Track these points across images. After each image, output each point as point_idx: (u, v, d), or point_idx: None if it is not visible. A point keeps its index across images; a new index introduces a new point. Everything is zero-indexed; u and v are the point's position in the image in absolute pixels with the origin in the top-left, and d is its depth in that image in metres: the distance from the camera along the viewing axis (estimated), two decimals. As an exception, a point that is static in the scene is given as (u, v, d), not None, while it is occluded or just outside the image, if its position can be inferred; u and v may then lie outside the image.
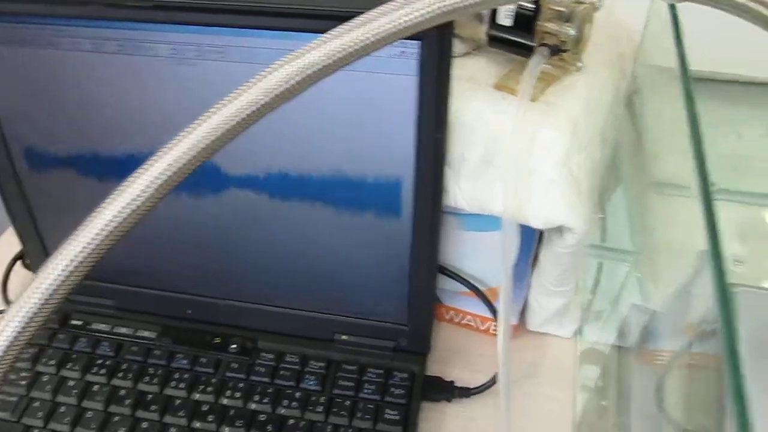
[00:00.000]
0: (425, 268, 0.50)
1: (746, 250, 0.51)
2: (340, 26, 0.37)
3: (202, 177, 0.49)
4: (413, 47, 0.41)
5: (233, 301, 0.56)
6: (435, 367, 0.56)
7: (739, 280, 0.45)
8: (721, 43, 0.52)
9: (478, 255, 0.53)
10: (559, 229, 0.45)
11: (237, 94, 0.34)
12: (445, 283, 0.56)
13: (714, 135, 0.64)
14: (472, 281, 0.54)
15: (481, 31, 0.45)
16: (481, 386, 0.53)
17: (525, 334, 0.58)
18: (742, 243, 0.51)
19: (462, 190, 0.46)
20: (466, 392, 0.54)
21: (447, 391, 0.54)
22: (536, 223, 0.44)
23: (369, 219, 0.48)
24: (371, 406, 0.52)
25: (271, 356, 0.55)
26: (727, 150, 0.60)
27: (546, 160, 0.43)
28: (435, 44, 0.41)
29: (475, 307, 0.57)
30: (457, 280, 0.54)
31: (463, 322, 0.59)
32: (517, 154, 0.42)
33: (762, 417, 0.38)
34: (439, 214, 0.47)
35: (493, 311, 0.54)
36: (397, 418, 0.51)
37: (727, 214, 0.56)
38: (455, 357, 0.58)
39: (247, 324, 0.56)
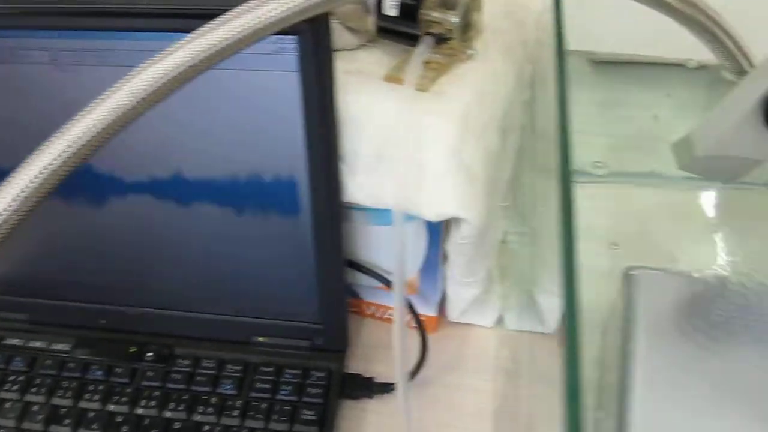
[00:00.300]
0: (331, 265, 0.49)
1: (631, 231, 0.50)
2: (204, 25, 0.36)
3: (98, 185, 0.48)
4: (290, 43, 0.40)
5: (147, 309, 0.55)
6: (358, 364, 0.56)
7: (611, 263, 0.45)
8: (641, 26, 0.51)
9: (389, 249, 0.52)
10: (457, 221, 0.44)
11: (101, 100, 0.33)
12: (363, 279, 0.55)
13: (630, 117, 0.64)
14: (385, 275, 0.54)
15: (370, 22, 0.44)
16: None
17: (447, 325, 0.58)
18: (628, 224, 0.51)
19: (358, 185, 0.45)
20: (387, 388, 0.53)
21: (367, 387, 0.53)
22: (429, 216, 0.43)
23: (270, 219, 0.48)
24: (288, 408, 0.51)
25: (187, 362, 0.54)
26: (641, 132, 0.60)
27: (435, 151, 0.42)
28: (311, 39, 0.40)
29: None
30: (371, 275, 0.54)
31: (385, 316, 0.58)
32: (405, 146, 0.41)
33: (650, 389, 0.38)
34: (338, 211, 0.47)
35: (410, 304, 0.53)
36: (314, 418, 0.50)
37: (626, 196, 0.56)
38: (378, 352, 0.57)
39: (163, 331, 0.55)
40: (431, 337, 0.56)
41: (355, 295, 0.58)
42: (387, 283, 0.54)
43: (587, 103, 0.62)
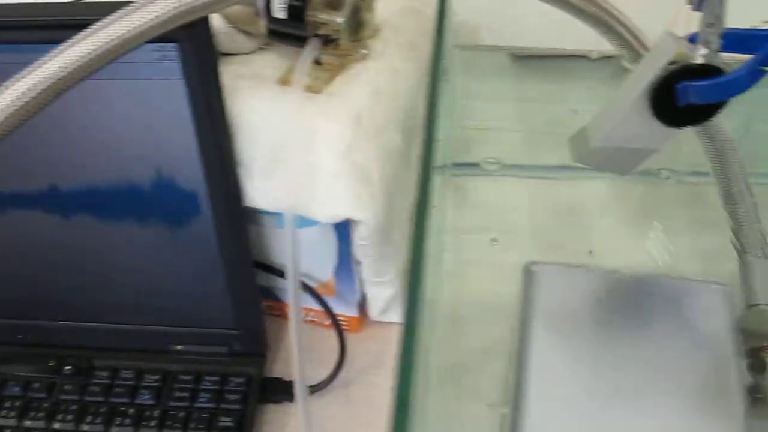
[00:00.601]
0: (240, 270, 0.49)
1: (526, 225, 0.51)
2: (73, 37, 0.35)
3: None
4: (172, 50, 0.40)
5: (65, 322, 0.54)
6: (281, 368, 0.56)
7: (488, 258, 0.45)
8: (557, 18, 0.51)
9: (303, 251, 0.52)
10: (355, 222, 0.44)
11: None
12: (282, 282, 0.55)
13: (548, 111, 0.64)
14: (302, 278, 0.54)
15: (261, 25, 0.44)
16: (320, 383, 0.53)
17: (370, 324, 0.58)
18: (521, 218, 0.52)
19: (257, 189, 0.45)
20: (309, 390, 0.53)
21: (288, 390, 0.53)
22: (322, 217, 0.43)
23: (174, 227, 0.47)
24: (206, 415, 0.51)
25: (106, 374, 0.53)
26: (555, 126, 0.60)
27: (326, 152, 0.42)
28: (191, 45, 0.40)
29: (315, 304, 0.56)
30: (280, 276, 0.53)
31: (308, 319, 0.58)
32: (296, 149, 0.41)
33: (543, 381, 0.39)
34: (240, 216, 0.46)
35: (326, 306, 0.53)
36: (231, 424, 0.50)
37: (523, 190, 0.56)
38: (303, 355, 0.57)
39: (81, 343, 0.55)
40: (355, 337, 0.56)
41: (276, 299, 0.57)
42: (303, 286, 0.54)
43: (506, 98, 0.63)
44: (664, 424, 0.36)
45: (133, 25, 0.35)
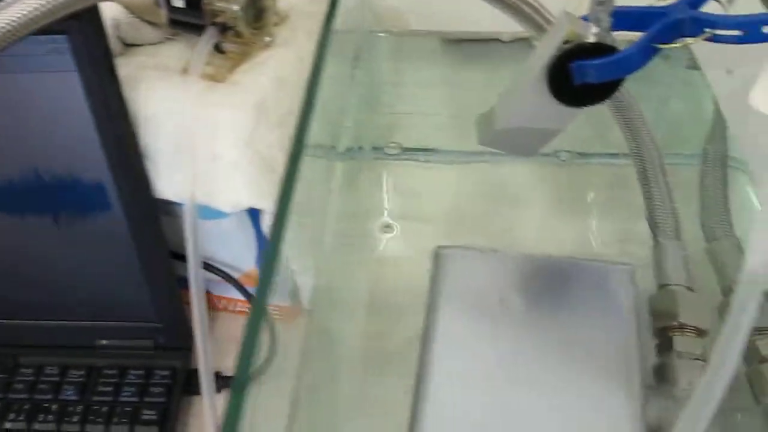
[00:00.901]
0: (156, 263, 0.49)
1: (425, 210, 0.50)
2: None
3: None
4: (62, 41, 0.39)
5: (-12, 320, 0.54)
6: (213, 360, 0.55)
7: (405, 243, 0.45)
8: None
9: (224, 242, 0.52)
10: (262, 211, 0.44)
11: None
12: (208, 274, 0.55)
13: (481, 95, 0.64)
14: (225, 269, 0.53)
15: (162, 15, 0.44)
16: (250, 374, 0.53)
17: (305, 313, 0.57)
18: (421, 202, 0.51)
19: (164, 181, 0.44)
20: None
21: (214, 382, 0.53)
22: (224, 207, 0.43)
23: (87, 222, 0.47)
24: (129, 409, 0.50)
25: (30, 371, 0.53)
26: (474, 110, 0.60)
27: (228, 142, 0.41)
28: (82, 36, 0.39)
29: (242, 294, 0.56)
30: (207, 270, 0.53)
31: (237, 309, 0.58)
32: (197, 139, 0.41)
33: (445, 364, 0.39)
34: (151, 208, 0.46)
35: (248, 296, 0.53)
36: (155, 417, 0.50)
37: (427, 174, 0.56)
38: (230, 346, 0.56)
39: (6, 341, 0.54)
40: (289, 327, 0.55)
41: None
42: (225, 276, 0.54)
43: (436, 83, 0.62)
44: (563, 404, 0.36)
45: (13, 18, 0.34)
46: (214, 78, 0.43)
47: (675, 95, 0.55)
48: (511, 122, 0.41)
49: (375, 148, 0.53)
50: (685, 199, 0.48)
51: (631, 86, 0.46)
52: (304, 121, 0.33)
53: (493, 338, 0.39)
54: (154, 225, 0.47)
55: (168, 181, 0.44)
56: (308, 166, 0.48)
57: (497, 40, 0.58)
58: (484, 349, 0.39)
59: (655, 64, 0.35)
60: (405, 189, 0.53)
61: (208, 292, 0.57)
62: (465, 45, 0.65)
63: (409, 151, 0.54)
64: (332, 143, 0.50)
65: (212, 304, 0.58)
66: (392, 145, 0.54)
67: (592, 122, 0.56)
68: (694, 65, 0.57)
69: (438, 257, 0.43)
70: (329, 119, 0.46)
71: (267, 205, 0.42)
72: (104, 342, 0.54)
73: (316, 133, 0.37)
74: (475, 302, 0.41)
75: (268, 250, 0.27)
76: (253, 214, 0.48)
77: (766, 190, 0.26)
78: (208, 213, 0.49)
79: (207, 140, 0.42)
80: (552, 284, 0.41)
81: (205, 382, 0.41)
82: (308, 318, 0.46)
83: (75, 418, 0.50)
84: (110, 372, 0.52)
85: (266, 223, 0.44)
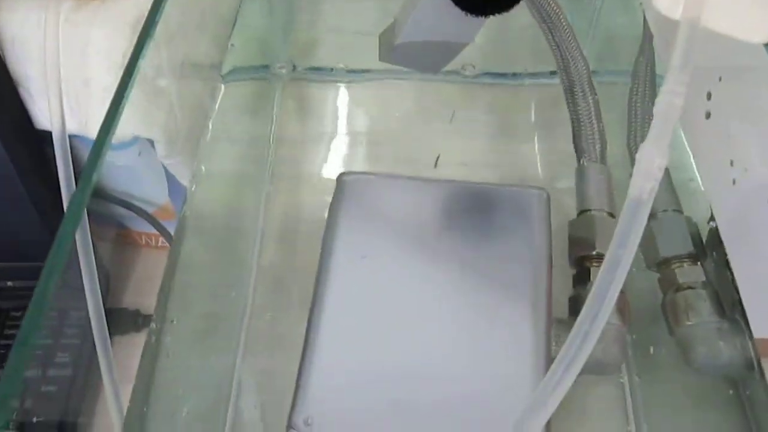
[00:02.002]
0: (47, 199, 0.46)
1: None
2: None
3: None
4: None
5: None
6: (129, 298, 0.53)
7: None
8: None
9: (132, 176, 0.49)
10: (151, 141, 0.40)
11: None
12: (123, 211, 0.52)
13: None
14: (139, 203, 0.50)
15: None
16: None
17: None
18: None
19: (40, 111, 0.41)
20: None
21: (133, 321, 0.51)
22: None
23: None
24: (40, 352, 0.48)
25: None
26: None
27: (101, 65, 0.38)
28: None
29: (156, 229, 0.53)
30: (121, 206, 0.50)
31: (160, 245, 0.55)
32: (68, 63, 0.37)
33: (341, 288, 0.36)
34: (34, 142, 0.43)
35: (163, 230, 0.50)
36: (67, 360, 0.48)
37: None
38: (151, 284, 0.54)
39: None
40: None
41: (119, 225, 0.54)
42: (138, 212, 0.51)
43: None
44: (464, 335, 0.34)
45: None
46: (85, -6, 0.39)
47: (609, 8, 0.50)
48: (411, 36, 0.37)
49: (294, 67, 0.49)
50: (621, 121, 0.44)
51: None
52: (147, 30, 0.29)
53: (394, 267, 0.36)
54: (39, 159, 0.43)
55: (43, 111, 0.41)
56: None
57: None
58: (383, 278, 0.36)
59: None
60: (326, 108, 0.49)
61: (124, 228, 0.55)
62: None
63: (327, 71, 0.50)
64: (244, 61, 0.46)
65: (134, 240, 0.56)
66: (312, 64, 0.50)
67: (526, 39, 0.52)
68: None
69: (340, 184, 0.40)
70: (222, 34, 0.42)
71: (154, 134, 0.39)
72: (9, 284, 0.51)
73: (207, 50, 0.33)
74: (377, 230, 0.38)
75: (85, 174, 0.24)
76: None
77: (659, 108, 0.23)
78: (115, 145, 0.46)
79: (78, 64, 0.38)
80: (460, 210, 0.38)
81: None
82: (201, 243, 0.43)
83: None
84: (17, 314, 0.50)
85: (161, 153, 0.41)
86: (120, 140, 0.40)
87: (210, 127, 0.41)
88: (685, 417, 0.37)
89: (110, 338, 0.51)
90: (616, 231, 0.22)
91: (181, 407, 0.36)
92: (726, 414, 0.36)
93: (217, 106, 0.42)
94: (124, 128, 0.39)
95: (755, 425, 0.34)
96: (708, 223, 0.35)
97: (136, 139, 0.42)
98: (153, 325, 0.38)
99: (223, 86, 0.43)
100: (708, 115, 0.31)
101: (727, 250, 0.30)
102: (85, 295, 0.48)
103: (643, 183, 0.22)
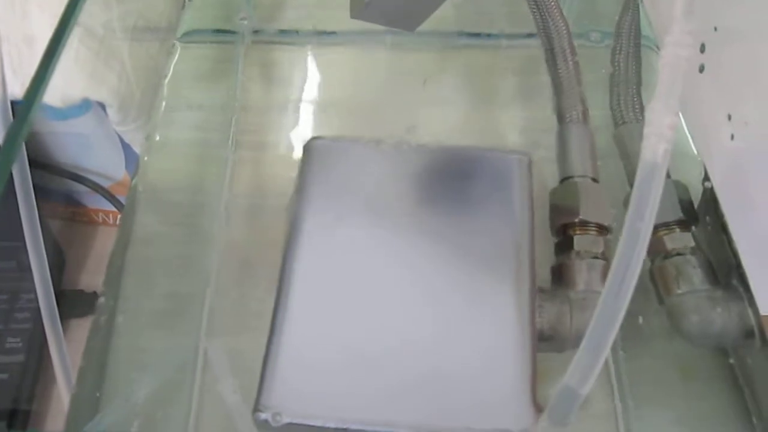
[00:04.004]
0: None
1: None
2: None
3: None
4: None
5: None
6: (85, 279, 0.50)
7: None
8: None
9: (86, 146, 0.45)
10: (102, 105, 0.37)
11: None
12: (78, 186, 0.49)
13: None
14: (95, 178, 0.47)
15: None
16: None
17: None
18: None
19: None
20: (116, 300, 0.48)
21: (90, 303, 0.48)
22: (53, 101, 0.36)
23: None
24: (-9, 338, 0.45)
25: None
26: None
27: (43, 20, 0.34)
28: None
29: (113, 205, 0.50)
30: (75, 180, 0.47)
31: (119, 223, 0.52)
32: (10, 21, 0.33)
33: (311, 257, 0.33)
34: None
35: (121, 207, 0.47)
36: (20, 345, 0.45)
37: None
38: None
39: None
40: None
41: (76, 203, 0.51)
42: (93, 186, 0.48)
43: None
44: (442, 306, 0.32)
45: None
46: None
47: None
48: None
49: (255, 31, 0.46)
50: (603, 83, 0.42)
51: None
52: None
53: (366, 239, 0.34)
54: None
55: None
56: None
57: None
58: (355, 250, 0.34)
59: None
60: (294, 74, 0.46)
61: (80, 205, 0.51)
62: None
63: (294, 33, 0.47)
64: (203, 21, 0.43)
65: (90, 217, 0.53)
66: (281, 26, 0.47)
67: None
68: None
69: (309, 149, 0.37)
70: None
71: (105, 97, 0.36)
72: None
73: (164, 9, 0.30)
74: (348, 199, 0.35)
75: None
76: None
77: (665, 62, 0.20)
78: (56, 112, 0.42)
79: (18, 20, 0.34)
80: (437, 176, 0.36)
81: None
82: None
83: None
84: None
85: (114, 119, 0.37)
86: (69, 103, 0.37)
87: (165, 91, 0.38)
88: (673, 389, 0.35)
89: (67, 321, 0.48)
90: (632, 200, 0.21)
91: (137, 391, 0.33)
92: (715, 386, 0.35)
93: (172, 67, 0.39)
94: (72, 89, 0.36)
95: (752, 398, 0.32)
96: (703, 183, 0.33)
97: (87, 104, 0.39)
98: (102, 300, 0.35)
99: (180, 45, 0.39)
100: (702, 69, 0.29)
101: (725, 211, 0.28)
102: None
103: (656, 144, 0.20)
